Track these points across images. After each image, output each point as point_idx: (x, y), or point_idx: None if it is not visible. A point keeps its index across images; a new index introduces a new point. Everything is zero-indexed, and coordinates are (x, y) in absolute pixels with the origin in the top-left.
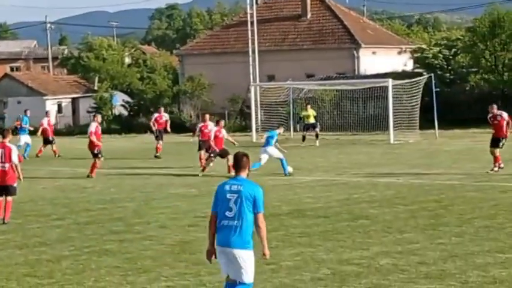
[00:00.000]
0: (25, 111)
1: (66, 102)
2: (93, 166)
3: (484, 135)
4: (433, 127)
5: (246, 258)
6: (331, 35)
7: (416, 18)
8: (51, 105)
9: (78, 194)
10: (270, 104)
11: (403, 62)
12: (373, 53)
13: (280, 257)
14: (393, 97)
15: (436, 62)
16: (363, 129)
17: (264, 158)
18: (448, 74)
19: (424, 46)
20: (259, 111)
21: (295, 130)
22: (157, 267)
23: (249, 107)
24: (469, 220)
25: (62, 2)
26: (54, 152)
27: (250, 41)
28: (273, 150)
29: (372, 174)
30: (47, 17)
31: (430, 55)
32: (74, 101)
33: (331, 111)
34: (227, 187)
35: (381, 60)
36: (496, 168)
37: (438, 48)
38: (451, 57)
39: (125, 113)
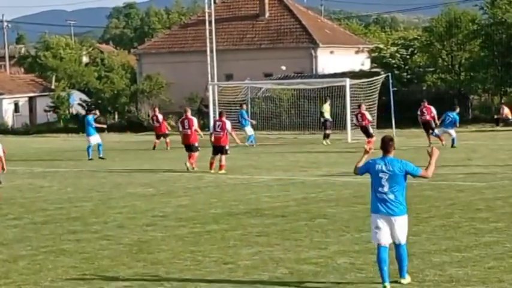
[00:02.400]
0: None
1: (23, 101)
2: None
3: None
4: (391, 126)
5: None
6: (289, 35)
7: (374, 18)
8: (7, 105)
9: (34, 193)
10: (228, 103)
11: (360, 61)
12: (331, 52)
13: (238, 256)
14: (350, 96)
15: (393, 61)
16: (320, 128)
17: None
18: (405, 74)
19: (381, 46)
20: (217, 110)
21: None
22: (114, 266)
23: (207, 106)
24: (425, 219)
25: (19, 0)
26: None
27: (208, 40)
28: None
29: (329, 174)
30: (3, 15)
31: (387, 55)
32: (31, 100)
33: (289, 111)
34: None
35: (338, 60)
36: None
37: (395, 48)
38: (408, 56)
39: (83, 112)
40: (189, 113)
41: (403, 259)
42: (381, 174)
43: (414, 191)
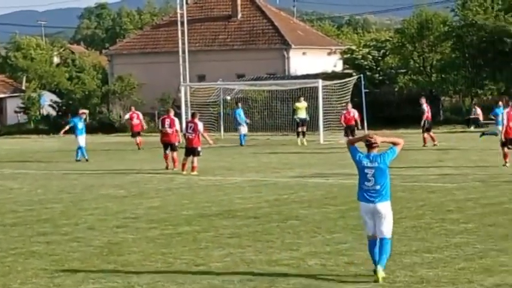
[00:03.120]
0: None
1: None
2: None
3: (413, 135)
4: (363, 127)
5: None
6: (261, 36)
7: (346, 19)
8: None
9: (4, 195)
10: (200, 104)
11: (332, 62)
12: (303, 53)
13: (210, 258)
14: (323, 98)
15: (366, 63)
16: (293, 129)
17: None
18: (377, 75)
19: (353, 47)
20: (189, 111)
21: (225, 130)
22: (84, 269)
23: (179, 107)
24: (397, 220)
25: None
26: None
27: (180, 41)
28: None
29: (301, 175)
30: None
31: (360, 56)
32: (1, 101)
33: (262, 112)
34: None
35: (311, 61)
36: (507, 165)
37: (367, 50)
38: (380, 58)
39: (53, 113)
40: (172, 113)
41: (384, 251)
42: (366, 170)
43: None
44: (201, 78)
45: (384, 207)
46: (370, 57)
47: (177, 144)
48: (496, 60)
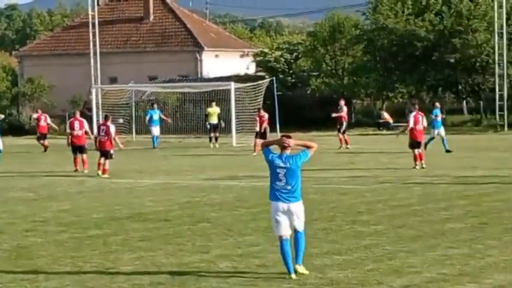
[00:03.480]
0: None
1: None
2: None
3: (325, 138)
4: (275, 130)
5: None
6: (174, 38)
7: (259, 22)
8: None
9: None
10: (112, 106)
11: (245, 65)
12: (216, 56)
13: (120, 261)
14: (235, 100)
15: (278, 65)
16: (205, 132)
17: None
18: (289, 78)
19: (266, 50)
20: (100, 113)
21: (137, 133)
22: None
23: (90, 110)
24: (308, 222)
25: None
26: None
27: (91, 42)
28: None
29: (213, 177)
30: None
31: (272, 59)
32: None
33: (174, 114)
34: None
35: (223, 64)
36: (417, 167)
37: (280, 52)
38: (292, 61)
39: None
40: (78, 115)
41: (300, 246)
42: (278, 170)
43: None
44: (113, 80)
45: (297, 206)
46: (283, 60)
47: (86, 146)
48: (407, 63)
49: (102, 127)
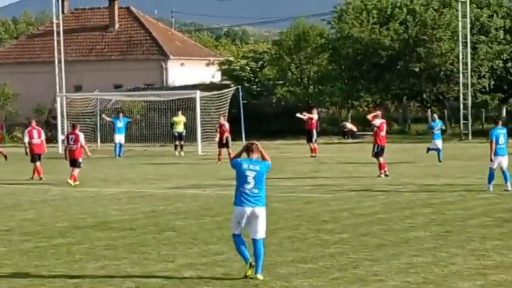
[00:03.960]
0: None
1: None
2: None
3: (290, 147)
4: (241, 138)
5: None
6: (139, 46)
7: (225, 30)
8: None
9: None
10: (77, 114)
11: (211, 74)
12: (182, 64)
13: (84, 270)
14: (201, 109)
15: (244, 74)
16: (171, 140)
17: None
18: (255, 86)
19: (231, 58)
20: (65, 122)
21: (102, 141)
22: None
23: (55, 118)
24: (273, 231)
25: None
26: None
27: (56, 50)
28: None
29: (179, 186)
30: None
31: (238, 67)
32: None
33: (139, 123)
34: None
35: (189, 72)
36: (382, 175)
37: (245, 61)
38: (258, 69)
39: None
40: (34, 123)
41: (260, 255)
42: (247, 173)
43: None
44: (78, 88)
45: (262, 211)
46: (248, 68)
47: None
48: (372, 72)
49: (71, 136)
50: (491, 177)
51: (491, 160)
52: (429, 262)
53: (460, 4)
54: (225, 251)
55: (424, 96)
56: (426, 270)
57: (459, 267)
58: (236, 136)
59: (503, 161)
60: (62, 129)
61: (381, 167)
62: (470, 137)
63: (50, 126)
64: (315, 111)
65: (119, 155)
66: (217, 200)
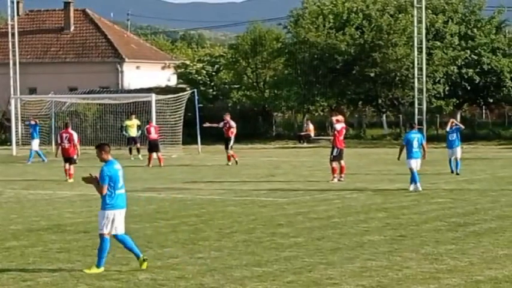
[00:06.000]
0: None
1: None
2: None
3: (245, 151)
4: (196, 142)
5: None
6: (94, 49)
7: (181, 34)
8: None
9: None
10: (31, 116)
11: (166, 77)
12: (137, 67)
13: (38, 273)
14: (156, 112)
15: (199, 77)
16: (126, 143)
17: None
18: (211, 90)
19: (187, 62)
20: (19, 124)
21: (56, 144)
22: None
23: (9, 120)
24: (228, 234)
25: None
26: None
27: (11, 52)
28: None
29: (134, 189)
30: None
31: (194, 71)
32: None
33: (94, 125)
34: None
35: (144, 75)
36: (335, 180)
37: (201, 65)
38: (214, 73)
39: None
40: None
41: (132, 241)
42: (120, 178)
43: (217, 207)
44: (33, 90)
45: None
46: (204, 72)
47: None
48: (327, 77)
49: (65, 134)
50: (415, 178)
51: (398, 159)
52: (383, 266)
53: (415, 10)
54: (179, 255)
55: (380, 101)
56: (380, 274)
57: (413, 271)
58: (192, 140)
59: (418, 163)
60: (16, 131)
61: (334, 171)
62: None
63: (3, 129)
64: (228, 117)
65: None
66: (172, 204)
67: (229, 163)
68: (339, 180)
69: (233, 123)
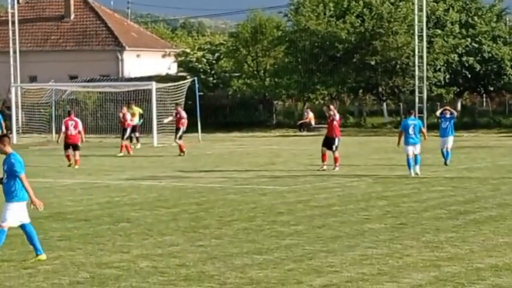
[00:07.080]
0: None
1: None
2: None
3: (246, 139)
4: (196, 130)
5: None
6: (95, 37)
7: (181, 22)
8: None
9: None
10: (32, 105)
11: (167, 65)
12: (138, 55)
13: (39, 261)
14: (157, 100)
15: (200, 66)
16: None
17: None
18: (211, 78)
19: (188, 50)
20: (20, 112)
21: (57, 132)
22: None
23: (9, 108)
24: (228, 222)
25: None
26: None
27: (11, 40)
28: None
29: (134, 177)
30: None
31: (194, 59)
32: None
33: (95, 114)
34: None
35: (145, 63)
36: (324, 167)
37: (202, 53)
38: (214, 61)
39: None
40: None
41: (34, 237)
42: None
43: (217, 195)
44: (33, 79)
45: None
46: (205, 60)
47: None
48: (328, 65)
49: (70, 122)
50: (409, 164)
51: (398, 145)
52: (384, 254)
53: None
54: (180, 243)
55: (380, 89)
56: (381, 261)
57: (413, 258)
58: (192, 128)
59: (416, 148)
60: (17, 119)
61: (324, 159)
62: (425, 130)
63: (4, 117)
64: (179, 108)
65: None
66: (172, 192)
67: (182, 154)
68: (322, 169)
69: (184, 114)
